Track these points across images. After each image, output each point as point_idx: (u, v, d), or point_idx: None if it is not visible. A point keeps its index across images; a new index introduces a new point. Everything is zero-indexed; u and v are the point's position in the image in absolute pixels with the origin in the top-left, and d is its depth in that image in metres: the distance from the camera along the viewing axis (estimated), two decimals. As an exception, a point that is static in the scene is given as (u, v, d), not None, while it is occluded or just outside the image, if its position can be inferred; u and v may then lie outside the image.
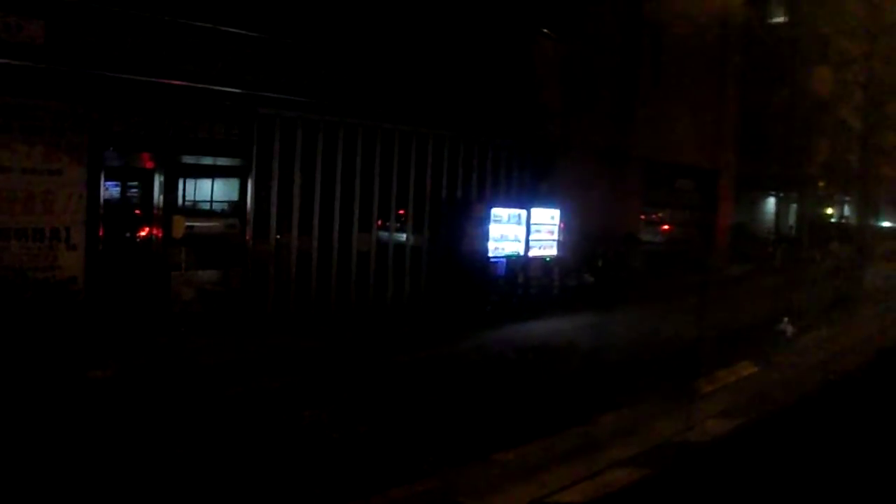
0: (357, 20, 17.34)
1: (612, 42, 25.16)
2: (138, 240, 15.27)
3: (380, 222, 18.73)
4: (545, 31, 22.24)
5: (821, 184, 42.77)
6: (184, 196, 16.09)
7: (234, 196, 16.50)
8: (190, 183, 16.27)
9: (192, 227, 15.51)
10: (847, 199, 49.06)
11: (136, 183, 15.36)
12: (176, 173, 15.59)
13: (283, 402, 10.94)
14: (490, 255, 18.69)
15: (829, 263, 34.57)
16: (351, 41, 17.36)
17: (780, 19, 37.79)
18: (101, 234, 14.23)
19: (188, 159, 15.68)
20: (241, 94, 15.74)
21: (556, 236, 20.33)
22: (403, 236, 19.29)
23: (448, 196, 19.89)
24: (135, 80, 14.25)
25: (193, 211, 16.13)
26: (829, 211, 46.47)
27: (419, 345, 15.51)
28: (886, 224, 48.22)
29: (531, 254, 19.69)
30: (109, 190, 14.73)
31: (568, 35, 22.88)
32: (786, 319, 18.20)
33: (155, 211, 15.11)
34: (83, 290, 13.85)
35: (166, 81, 14.67)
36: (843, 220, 48.52)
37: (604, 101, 24.59)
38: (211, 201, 16.66)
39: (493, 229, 18.71)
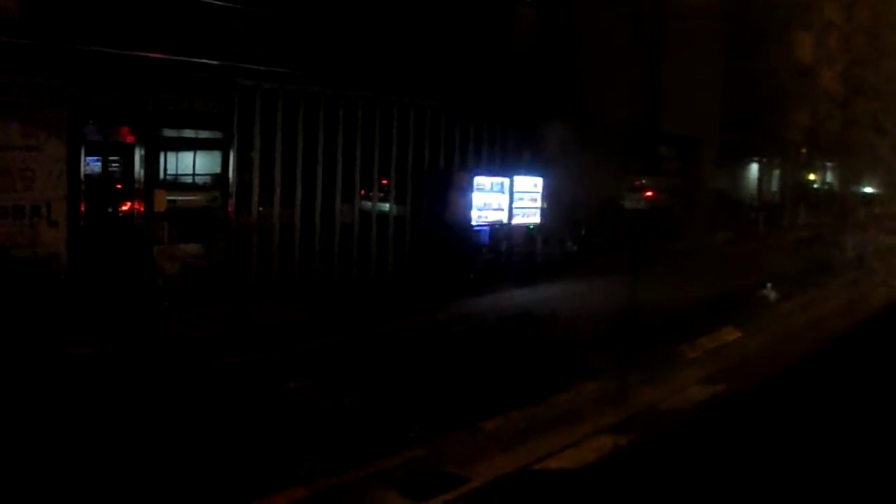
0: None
1: (592, 10, 25.07)
2: (120, 214, 15.16)
3: (363, 192, 18.67)
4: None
5: (803, 150, 42.84)
6: (165, 170, 15.96)
7: (216, 169, 16.42)
8: (171, 156, 16.14)
9: (173, 200, 15.48)
10: (829, 165, 49.16)
11: (116, 157, 15.20)
12: (157, 147, 15.47)
13: (268, 374, 10.94)
14: (473, 223, 18.66)
15: (810, 230, 34.73)
16: (331, 11, 17.26)
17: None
18: (82, 209, 14.13)
19: (169, 132, 15.56)
20: (220, 66, 15.63)
21: (539, 204, 20.31)
22: (387, 206, 19.25)
23: (431, 165, 19.85)
24: (113, 54, 14.13)
25: (175, 184, 16.01)
26: (812, 177, 46.54)
27: (403, 314, 15.55)
28: (867, 190, 48.36)
29: (514, 222, 19.67)
30: (90, 165, 14.61)
31: (549, 3, 22.81)
32: (768, 285, 18.31)
33: (136, 185, 14.99)
34: (65, 267, 13.79)
35: (145, 54, 14.55)
36: (826, 187, 48.64)
37: (585, 69, 24.53)
38: (193, 174, 16.55)
39: (476, 198, 18.67)
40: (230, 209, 16.16)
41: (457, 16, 19.68)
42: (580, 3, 24.45)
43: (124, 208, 15.14)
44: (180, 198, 15.70)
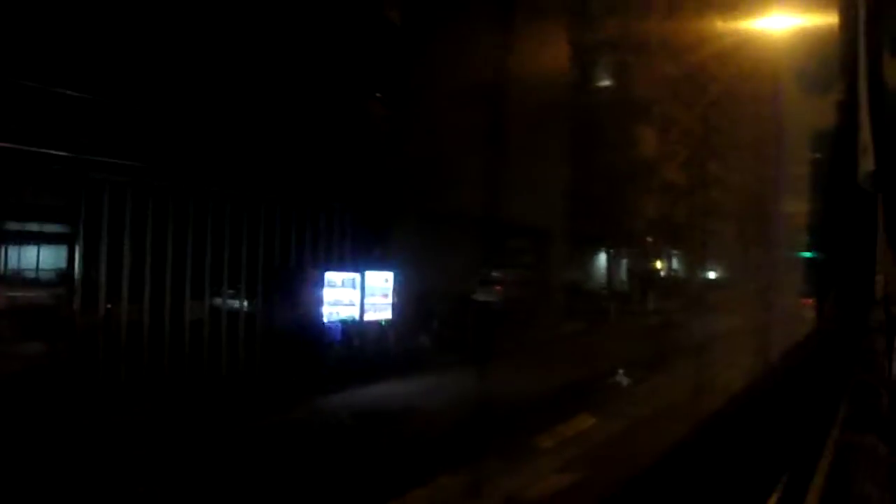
0: (191, 86, 17.14)
1: (443, 106, 25.46)
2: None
3: (213, 289, 18.35)
4: (378, 95, 22.41)
5: (649, 239, 44.14)
6: (6, 264, 15.44)
7: (62, 264, 15.94)
8: (13, 250, 15.64)
9: (13, 297, 14.93)
10: (675, 252, 50.73)
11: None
12: (-3, 241, 15.00)
13: (117, 478, 10.54)
14: (325, 319, 18.56)
15: (659, 316, 35.64)
16: (184, 108, 17.11)
17: (606, 83, 39.07)
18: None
19: (12, 226, 15.09)
20: (69, 158, 15.31)
21: (390, 300, 20.36)
22: (237, 303, 18.97)
23: (281, 261, 19.71)
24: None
25: (16, 280, 15.48)
26: (658, 265, 47.90)
27: (251, 414, 15.19)
28: (712, 275, 50.07)
29: (366, 317, 19.66)
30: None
31: (402, 99, 23.12)
32: (621, 371, 18.62)
33: (-26, 282, 14.48)
34: None
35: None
36: (673, 274, 50.10)
37: (437, 163, 24.81)
38: (36, 270, 16.05)
39: (327, 294, 18.64)
40: (75, 306, 15.65)
41: (309, 114, 19.74)
42: (430, 100, 24.79)
43: (-41, 306, 14.56)
44: (20, 294, 15.17)
